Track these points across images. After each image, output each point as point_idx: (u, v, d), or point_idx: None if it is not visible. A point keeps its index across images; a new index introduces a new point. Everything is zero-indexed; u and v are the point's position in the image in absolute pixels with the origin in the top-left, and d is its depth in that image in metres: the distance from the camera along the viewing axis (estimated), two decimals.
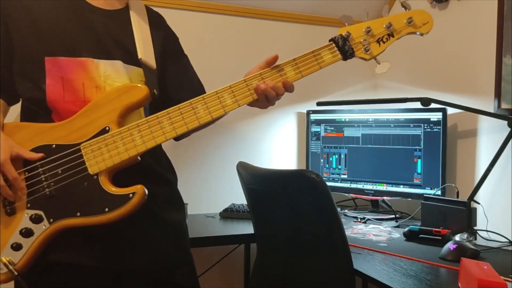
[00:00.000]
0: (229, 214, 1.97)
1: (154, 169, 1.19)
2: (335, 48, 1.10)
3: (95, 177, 1.06)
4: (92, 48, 1.11)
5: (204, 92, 1.13)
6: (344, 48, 1.10)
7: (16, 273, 1.03)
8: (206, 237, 1.63)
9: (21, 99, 1.16)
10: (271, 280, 1.52)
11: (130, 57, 1.15)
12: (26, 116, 1.14)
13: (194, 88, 1.31)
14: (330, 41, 1.11)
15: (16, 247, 1.05)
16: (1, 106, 1.15)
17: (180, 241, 1.25)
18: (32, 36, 1.09)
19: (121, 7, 1.20)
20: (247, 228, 1.76)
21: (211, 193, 2.13)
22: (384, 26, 1.10)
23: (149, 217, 1.15)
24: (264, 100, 1.10)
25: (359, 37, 1.10)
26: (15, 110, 1.18)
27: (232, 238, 1.75)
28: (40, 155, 1.06)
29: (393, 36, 1.11)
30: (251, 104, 1.12)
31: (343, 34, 1.10)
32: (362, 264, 1.31)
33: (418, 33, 1.12)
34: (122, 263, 1.13)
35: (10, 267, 1.03)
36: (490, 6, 1.74)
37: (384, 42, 1.10)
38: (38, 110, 1.11)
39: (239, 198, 1.93)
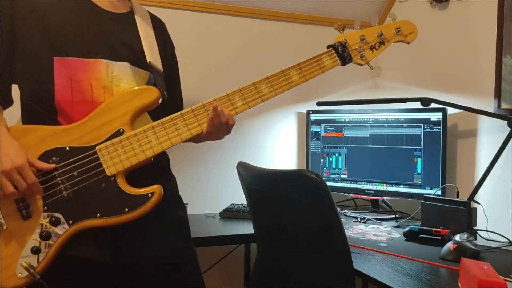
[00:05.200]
0: (229, 214, 1.97)
1: (161, 166, 1.21)
2: (335, 54, 1.19)
3: (113, 178, 1.08)
4: (100, 49, 1.11)
5: (182, 109, 1.16)
6: (344, 55, 1.19)
7: (38, 276, 1.04)
8: (206, 237, 1.64)
9: (20, 102, 1.14)
10: (271, 280, 1.52)
11: (136, 59, 1.16)
12: (30, 118, 1.12)
13: (177, 101, 1.35)
14: (329, 47, 1.20)
15: (36, 250, 1.06)
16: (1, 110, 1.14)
17: (187, 237, 1.27)
18: (40, 35, 1.08)
19: (126, 10, 1.21)
20: (247, 228, 1.76)
21: (211, 193, 2.13)
22: (376, 34, 1.21)
23: (157, 214, 1.16)
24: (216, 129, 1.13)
25: (354, 44, 1.20)
26: (17, 114, 1.16)
27: (232, 238, 1.75)
28: (53, 165, 1.07)
29: (383, 44, 1.22)
30: (199, 137, 1.16)
31: (341, 40, 1.20)
32: (362, 264, 1.31)
33: (405, 41, 1.23)
34: (133, 259, 1.15)
35: (32, 270, 1.03)
36: (490, 6, 1.74)
37: (376, 49, 1.21)
38: (42, 112, 1.10)
39: (239, 198, 1.93)
